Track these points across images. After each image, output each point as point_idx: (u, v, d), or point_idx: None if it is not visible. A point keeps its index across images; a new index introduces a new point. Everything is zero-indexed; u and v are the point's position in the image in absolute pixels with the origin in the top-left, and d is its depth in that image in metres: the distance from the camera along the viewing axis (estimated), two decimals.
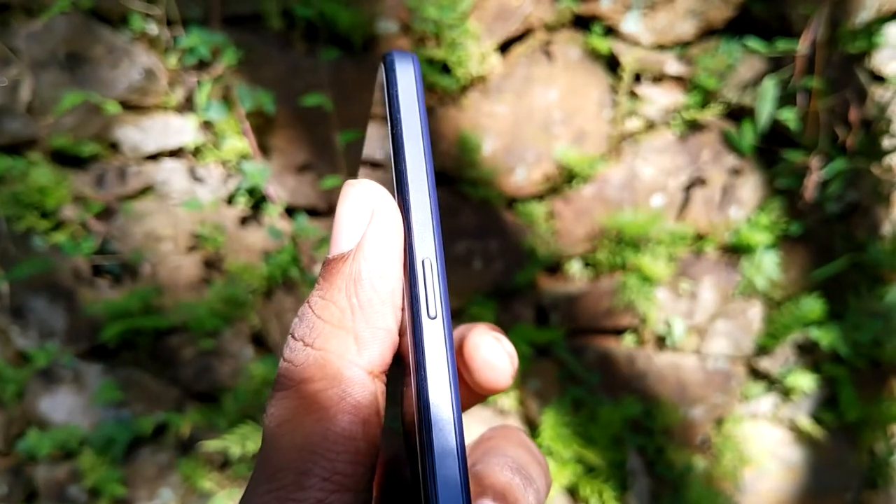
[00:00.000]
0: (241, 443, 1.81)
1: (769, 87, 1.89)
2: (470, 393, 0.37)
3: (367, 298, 0.29)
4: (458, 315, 2.05)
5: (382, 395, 0.30)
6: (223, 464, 1.90)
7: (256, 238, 1.86)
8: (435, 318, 0.29)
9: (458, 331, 0.37)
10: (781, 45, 1.92)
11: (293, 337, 0.30)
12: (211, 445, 1.82)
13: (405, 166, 0.30)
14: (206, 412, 1.86)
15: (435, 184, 0.30)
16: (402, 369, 0.31)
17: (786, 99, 2.00)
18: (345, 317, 0.29)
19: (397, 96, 0.30)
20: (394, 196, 0.30)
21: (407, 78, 0.31)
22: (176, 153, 1.81)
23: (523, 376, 2.04)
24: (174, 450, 1.85)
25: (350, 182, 0.31)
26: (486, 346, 0.35)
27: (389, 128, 0.30)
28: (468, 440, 0.35)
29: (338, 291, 0.29)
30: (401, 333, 0.30)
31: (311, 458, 0.27)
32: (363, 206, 0.30)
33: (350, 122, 1.85)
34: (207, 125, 1.81)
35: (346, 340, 0.29)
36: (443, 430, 0.27)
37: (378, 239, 0.29)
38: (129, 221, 1.78)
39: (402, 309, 0.30)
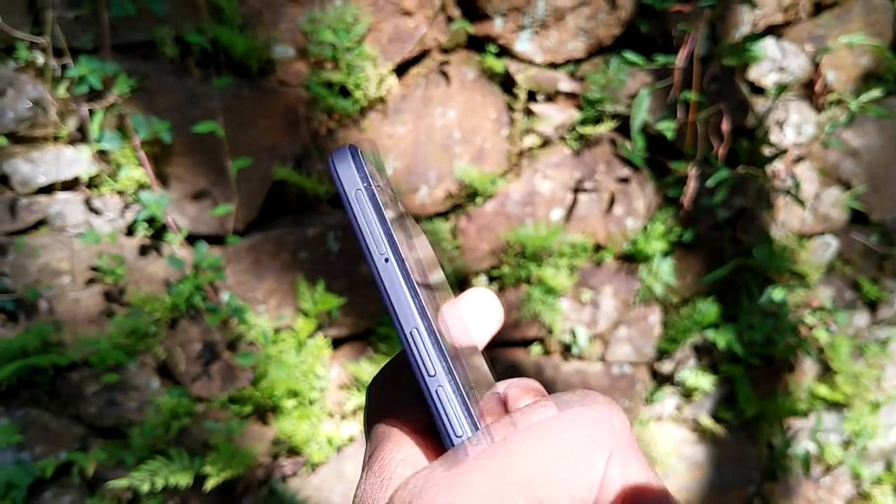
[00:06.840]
0: (150, 479, 1.77)
1: (643, 97, 1.98)
2: None
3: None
4: (366, 335, 2.06)
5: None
6: (132, 501, 1.85)
7: (158, 268, 1.83)
8: (434, 375, 0.33)
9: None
10: (660, 60, 2.01)
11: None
12: (118, 484, 1.77)
13: (369, 260, 0.34)
14: (112, 449, 1.81)
15: (403, 265, 0.34)
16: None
17: (668, 111, 2.10)
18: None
19: (342, 193, 0.34)
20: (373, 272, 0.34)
21: (346, 172, 0.34)
22: (70, 185, 1.76)
23: None
24: (79, 491, 1.80)
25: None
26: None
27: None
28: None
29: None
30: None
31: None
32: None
33: (246, 148, 1.84)
34: (102, 155, 1.77)
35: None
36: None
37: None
38: (23, 257, 1.73)
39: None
